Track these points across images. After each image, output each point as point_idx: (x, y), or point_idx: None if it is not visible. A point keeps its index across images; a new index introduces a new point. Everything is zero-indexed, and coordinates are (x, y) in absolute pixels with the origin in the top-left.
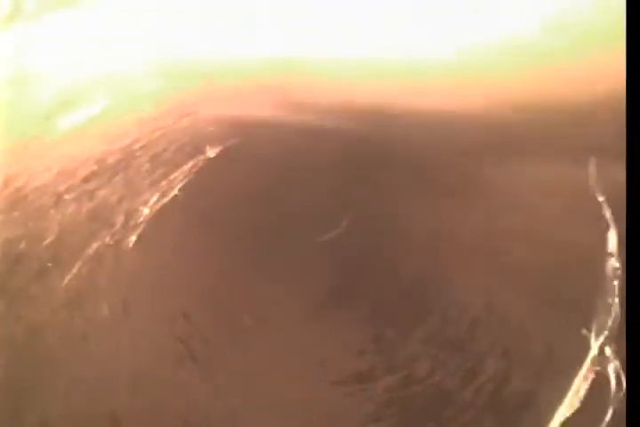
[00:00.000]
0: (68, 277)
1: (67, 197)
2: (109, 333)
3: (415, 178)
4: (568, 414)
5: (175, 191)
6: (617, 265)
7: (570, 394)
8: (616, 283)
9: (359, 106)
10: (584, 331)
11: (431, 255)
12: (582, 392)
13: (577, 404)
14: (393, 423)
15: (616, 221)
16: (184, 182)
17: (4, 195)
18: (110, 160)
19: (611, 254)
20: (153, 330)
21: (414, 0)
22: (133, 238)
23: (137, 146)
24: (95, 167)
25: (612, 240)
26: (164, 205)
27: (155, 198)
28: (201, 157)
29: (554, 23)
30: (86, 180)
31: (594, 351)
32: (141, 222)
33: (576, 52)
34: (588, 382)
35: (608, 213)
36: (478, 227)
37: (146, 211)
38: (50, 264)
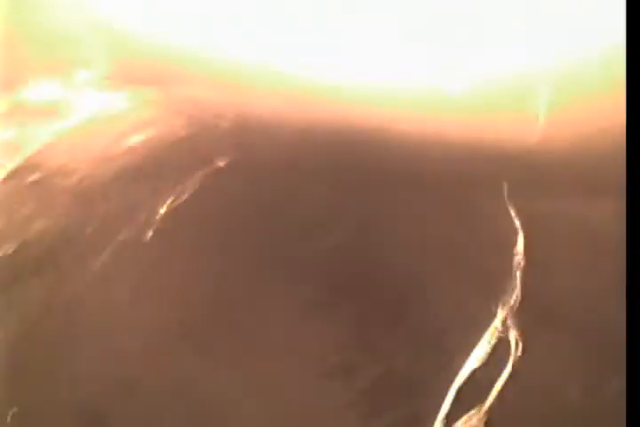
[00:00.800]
0: (99, 261)
1: (111, 195)
2: (126, 312)
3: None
4: (476, 366)
5: (187, 195)
6: (520, 260)
7: (478, 351)
8: (518, 273)
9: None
10: (493, 307)
11: (414, 262)
12: (488, 350)
13: (483, 359)
14: (368, 409)
15: (522, 227)
16: (196, 187)
17: (66, 185)
18: (143, 164)
19: (517, 253)
20: (161, 314)
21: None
22: (150, 233)
23: (144, 150)
24: (132, 172)
25: (520, 243)
26: (178, 206)
27: (170, 200)
28: (212, 164)
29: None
30: (117, 180)
31: (498, 321)
32: (158, 220)
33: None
34: (492, 343)
35: (517, 223)
36: (456, 239)
37: (162, 210)
38: (88, 249)
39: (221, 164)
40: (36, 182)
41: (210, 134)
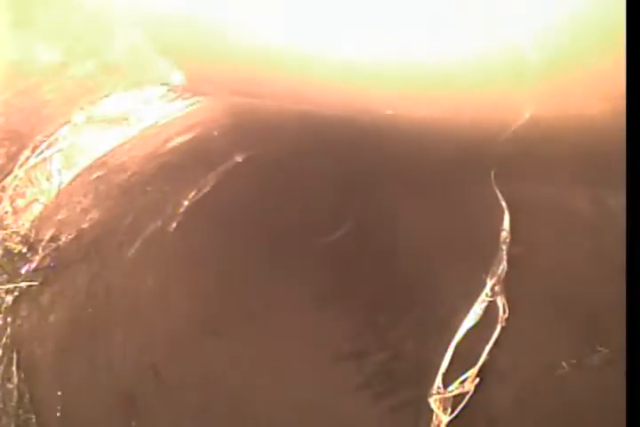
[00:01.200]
0: (132, 250)
1: (149, 189)
2: (153, 300)
3: (410, 186)
4: (469, 326)
5: (208, 188)
6: (506, 235)
7: (471, 315)
8: (504, 247)
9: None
10: (483, 275)
11: (420, 254)
12: (479, 313)
13: (475, 321)
14: (379, 390)
15: (508, 207)
16: (215, 182)
17: (119, 180)
18: (172, 160)
19: (503, 229)
20: (184, 302)
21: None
22: (174, 225)
23: (185, 148)
24: (168, 170)
25: (506, 220)
26: (199, 200)
27: (193, 193)
28: (231, 161)
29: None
30: (156, 176)
31: (488, 288)
32: (182, 212)
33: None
34: (483, 307)
35: (504, 204)
36: (462, 231)
37: (185, 203)
38: (124, 238)
39: (239, 159)
40: (98, 178)
41: (232, 131)
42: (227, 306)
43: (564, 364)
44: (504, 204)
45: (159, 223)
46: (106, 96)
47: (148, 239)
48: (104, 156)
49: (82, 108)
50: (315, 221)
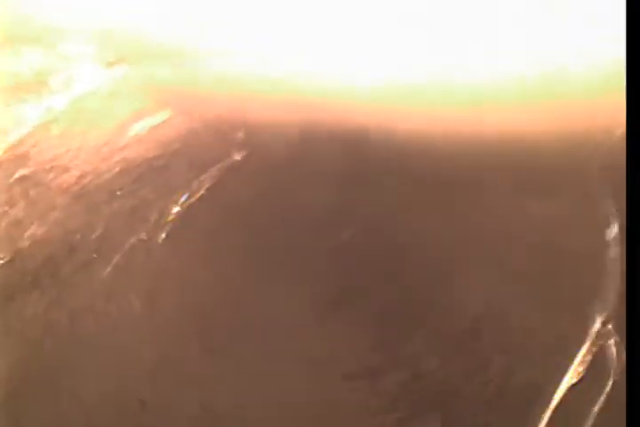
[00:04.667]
0: (108, 269)
1: (118, 193)
2: (136, 322)
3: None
4: (574, 381)
5: (202, 191)
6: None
7: (576, 362)
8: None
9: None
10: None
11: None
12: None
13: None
14: (401, 416)
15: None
16: (210, 184)
17: (73, 190)
18: (155, 162)
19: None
20: (177, 321)
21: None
22: (163, 235)
23: (173, 148)
24: (142, 168)
25: (614, 231)
26: (192, 204)
27: (184, 197)
28: (227, 161)
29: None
30: (135, 180)
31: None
32: (172, 220)
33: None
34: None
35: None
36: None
37: (176, 209)
38: (95, 256)
39: (238, 157)
40: (22, 179)
41: (226, 126)
42: (223, 322)
43: None
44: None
45: (142, 235)
46: (13, 51)
47: (129, 255)
48: (19, 143)
49: None
50: (316, 225)
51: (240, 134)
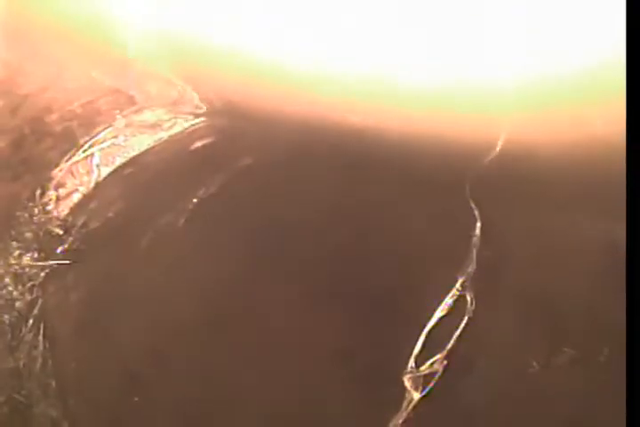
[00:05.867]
0: (145, 240)
1: (166, 186)
2: (161, 289)
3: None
4: (440, 315)
5: (215, 187)
6: (476, 240)
7: (442, 306)
8: (474, 250)
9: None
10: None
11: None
12: (451, 304)
13: (446, 311)
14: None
15: (481, 216)
16: (223, 181)
17: (146, 176)
18: (190, 161)
19: (475, 235)
20: (186, 294)
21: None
22: (183, 220)
23: (195, 146)
24: (177, 168)
25: (477, 227)
26: (207, 197)
27: (202, 191)
28: (238, 162)
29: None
30: (174, 175)
31: (459, 284)
32: (191, 208)
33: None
34: (453, 299)
35: (476, 212)
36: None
37: (195, 200)
38: (140, 229)
39: (249, 160)
40: (130, 174)
41: (240, 132)
42: (225, 300)
43: (534, 363)
44: (477, 213)
45: (169, 218)
46: (145, 108)
47: (159, 231)
48: (137, 156)
49: (124, 116)
50: (315, 225)
51: (250, 137)
